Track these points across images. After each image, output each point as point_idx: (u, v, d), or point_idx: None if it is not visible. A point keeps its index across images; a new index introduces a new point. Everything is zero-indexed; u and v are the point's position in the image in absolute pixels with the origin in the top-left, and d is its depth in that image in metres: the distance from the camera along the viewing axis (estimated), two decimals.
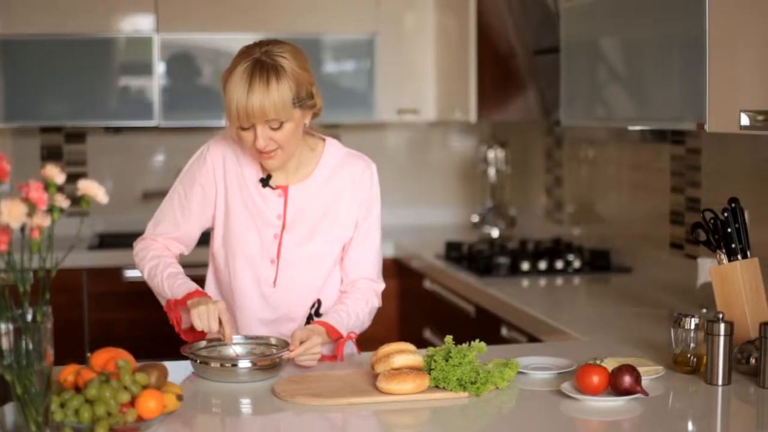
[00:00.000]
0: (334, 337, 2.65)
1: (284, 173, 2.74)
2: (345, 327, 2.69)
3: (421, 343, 3.09)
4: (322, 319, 2.69)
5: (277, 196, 2.73)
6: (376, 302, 2.82)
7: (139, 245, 2.85)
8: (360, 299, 2.77)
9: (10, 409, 1.98)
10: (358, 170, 2.77)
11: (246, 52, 2.61)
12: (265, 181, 2.73)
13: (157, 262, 2.76)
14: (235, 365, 2.47)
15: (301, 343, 2.53)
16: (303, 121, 2.66)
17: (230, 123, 2.61)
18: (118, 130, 5.22)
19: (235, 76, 2.56)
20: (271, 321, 2.77)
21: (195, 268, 3.00)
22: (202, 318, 2.54)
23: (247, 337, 2.66)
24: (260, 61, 2.56)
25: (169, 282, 2.70)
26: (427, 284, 4.49)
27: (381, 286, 2.84)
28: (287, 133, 2.61)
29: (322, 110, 2.74)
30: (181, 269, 2.77)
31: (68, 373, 2.11)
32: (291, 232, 2.72)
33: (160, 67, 4.87)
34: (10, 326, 1.90)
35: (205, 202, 2.78)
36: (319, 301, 2.78)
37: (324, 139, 2.79)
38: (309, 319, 2.77)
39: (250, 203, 2.73)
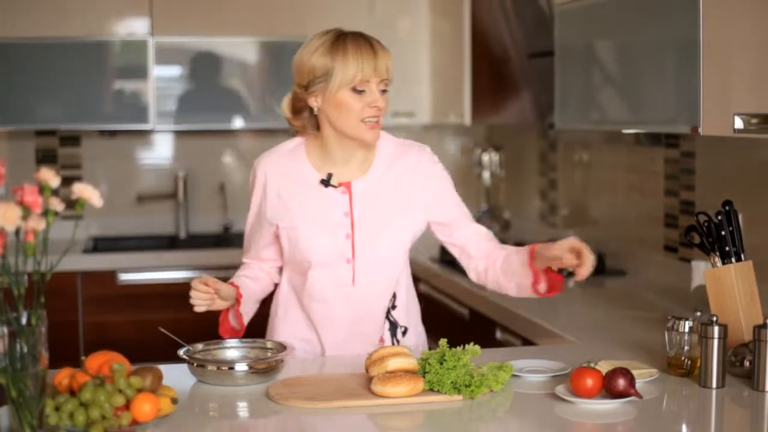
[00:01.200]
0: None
1: (346, 169, 2.72)
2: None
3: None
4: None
5: (340, 194, 2.71)
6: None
7: None
8: (495, 243, 2.84)
9: (4, 413, 1.99)
10: (413, 158, 2.76)
11: (333, 31, 2.67)
12: (326, 182, 2.70)
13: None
14: (231, 368, 2.47)
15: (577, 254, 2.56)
16: None
17: (341, 87, 2.59)
18: (112, 133, 5.21)
19: (349, 42, 2.61)
20: (350, 320, 2.75)
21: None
22: (195, 303, 2.60)
23: (242, 340, 2.66)
24: (362, 34, 2.66)
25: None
26: (422, 287, 4.49)
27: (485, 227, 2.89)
28: (386, 101, 2.65)
29: None
30: (244, 273, 2.84)
31: (63, 376, 2.11)
32: (362, 228, 2.70)
33: (155, 71, 4.86)
34: (5, 329, 1.91)
35: (261, 219, 2.78)
36: (395, 294, 2.78)
37: None
38: (387, 313, 2.77)
39: (314, 207, 2.70)
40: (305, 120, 2.72)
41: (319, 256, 2.70)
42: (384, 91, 2.64)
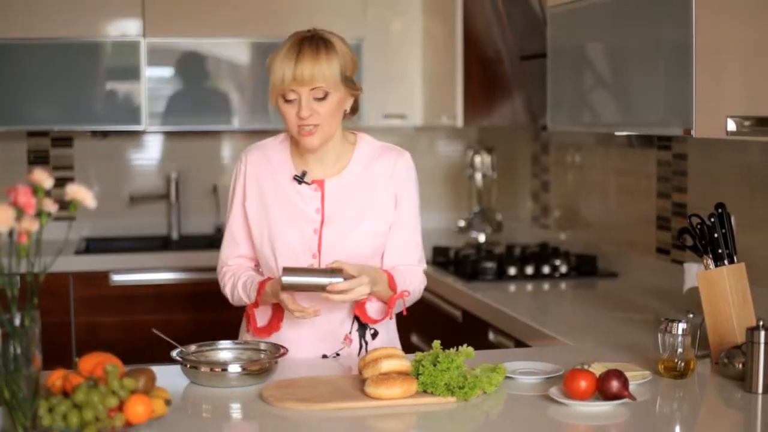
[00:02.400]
0: (393, 288, 2.68)
1: (321, 167, 2.74)
2: (401, 286, 2.70)
3: (408, 348, 3.09)
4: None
5: (313, 191, 2.72)
6: (424, 280, 2.82)
7: (221, 281, 2.87)
8: (409, 271, 2.77)
9: None
10: (391, 161, 2.77)
11: (294, 34, 2.67)
12: (299, 179, 2.72)
13: (233, 281, 2.80)
14: (224, 370, 2.46)
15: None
16: (344, 104, 2.68)
17: (273, 95, 2.63)
18: (105, 134, 5.20)
19: (283, 49, 2.63)
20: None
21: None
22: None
23: (235, 342, 2.66)
24: (309, 37, 2.65)
25: (244, 290, 2.75)
26: None
27: (423, 267, 2.84)
28: (330, 107, 2.62)
29: (359, 107, 2.77)
30: (253, 273, 2.80)
31: (56, 377, 2.11)
32: (330, 226, 2.71)
33: (147, 72, 4.86)
34: None
35: (243, 212, 2.79)
36: None
37: (356, 134, 2.80)
38: (356, 317, 2.76)
39: (288, 201, 2.73)
40: None
41: (285, 249, 2.71)
42: (321, 99, 2.61)
